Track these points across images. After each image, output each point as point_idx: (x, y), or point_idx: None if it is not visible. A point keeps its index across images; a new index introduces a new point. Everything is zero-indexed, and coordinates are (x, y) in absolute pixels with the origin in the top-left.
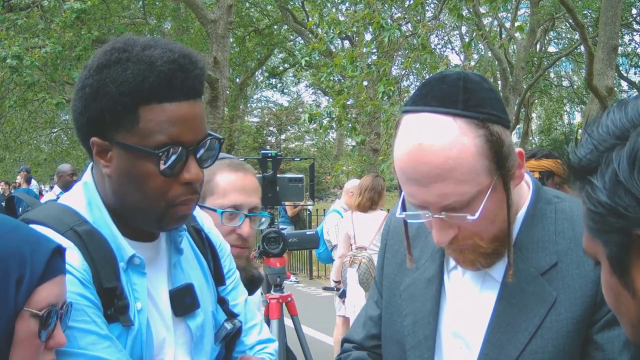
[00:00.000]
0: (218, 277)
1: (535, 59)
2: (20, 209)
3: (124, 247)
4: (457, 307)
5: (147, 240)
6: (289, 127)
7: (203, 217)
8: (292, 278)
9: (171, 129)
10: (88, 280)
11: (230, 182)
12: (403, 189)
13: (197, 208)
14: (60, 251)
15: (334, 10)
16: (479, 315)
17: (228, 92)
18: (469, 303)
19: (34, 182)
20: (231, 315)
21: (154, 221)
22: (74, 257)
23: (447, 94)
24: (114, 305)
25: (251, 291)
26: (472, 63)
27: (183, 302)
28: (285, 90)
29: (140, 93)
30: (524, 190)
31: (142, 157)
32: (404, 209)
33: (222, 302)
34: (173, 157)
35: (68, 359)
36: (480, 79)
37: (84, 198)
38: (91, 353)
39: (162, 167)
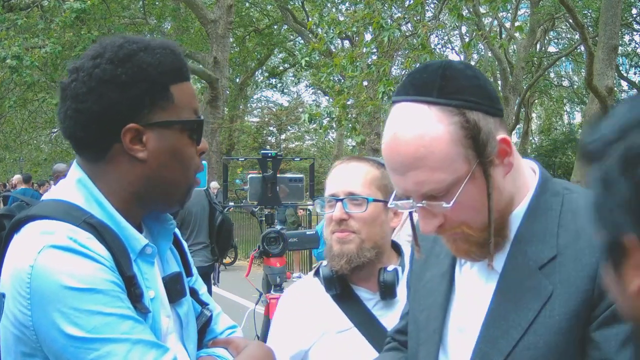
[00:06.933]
0: (186, 269)
1: (535, 59)
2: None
3: (137, 237)
4: (464, 302)
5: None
6: (289, 127)
7: None
8: (299, 274)
9: (194, 104)
10: (113, 268)
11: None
12: (390, 179)
13: None
14: None
15: (334, 10)
16: (481, 310)
17: (228, 92)
18: (474, 297)
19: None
20: (202, 304)
21: (183, 195)
22: (98, 246)
23: (425, 82)
24: (132, 293)
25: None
26: (472, 63)
27: (175, 289)
28: (285, 90)
29: (173, 73)
30: (528, 181)
31: (179, 131)
32: (395, 198)
33: (192, 292)
34: (199, 129)
35: (113, 345)
36: (465, 66)
37: (81, 195)
38: (134, 337)
39: (194, 137)
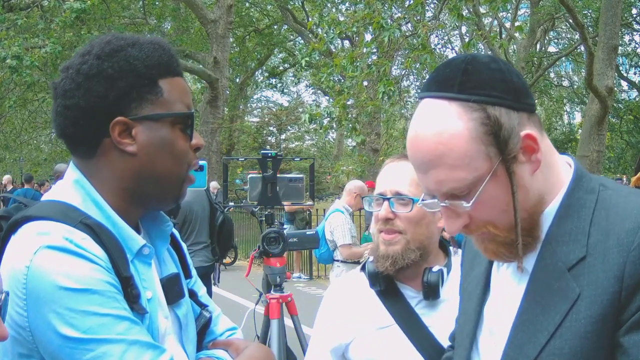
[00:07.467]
0: (185, 271)
1: (535, 59)
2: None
3: (134, 237)
4: (496, 303)
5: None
6: (289, 127)
7: None
8: (299, 274)
9: (185, 99)
10: (109, 269)
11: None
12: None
13: None
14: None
15: (334, 10)
16: (512, 312)
17: (228, 92)
18: (506, 299)
19: None
20: (202, 306)
21: (176, 190)
22: (94, 247)
23: (447, 77)
24: (128, 294)
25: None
26: None
27: (173, 290)
28: (285, 90)
29: (161, 67)
30: (562, 178)
31: (170, 125)
32: (423, 198)
33: (191, 294)
34: (190, 123)
35: (108, 345)
36: (490, 60)
37: (78, 195)
38: (130, 337)
39: (187, 131)
